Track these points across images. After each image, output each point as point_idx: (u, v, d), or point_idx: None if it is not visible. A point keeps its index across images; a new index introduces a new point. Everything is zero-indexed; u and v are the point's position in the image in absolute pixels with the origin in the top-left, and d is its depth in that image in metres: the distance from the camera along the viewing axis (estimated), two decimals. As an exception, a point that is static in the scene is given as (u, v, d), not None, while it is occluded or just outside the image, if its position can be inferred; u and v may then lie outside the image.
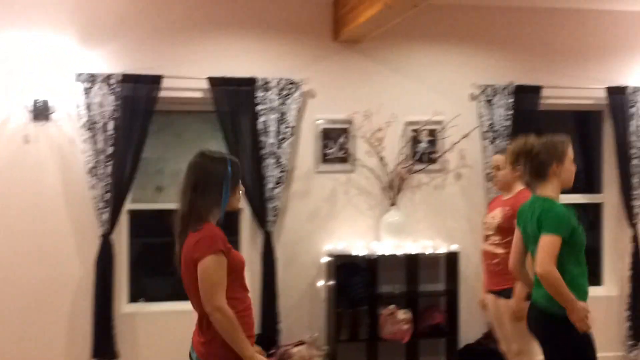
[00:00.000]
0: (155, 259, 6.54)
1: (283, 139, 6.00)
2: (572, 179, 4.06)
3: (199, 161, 3.40)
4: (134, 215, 6.15)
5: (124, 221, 6.03)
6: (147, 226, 6.40)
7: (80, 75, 5.71)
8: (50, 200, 5.81)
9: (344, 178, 6.25)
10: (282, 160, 5.99)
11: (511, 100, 6.31)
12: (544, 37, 6.56)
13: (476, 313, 5.93)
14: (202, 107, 6.05)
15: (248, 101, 5.97)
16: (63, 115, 5.78)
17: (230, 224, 5.71)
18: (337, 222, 6.25)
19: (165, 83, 5.85)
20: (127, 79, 5.78)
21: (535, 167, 3.97)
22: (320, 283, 6.10)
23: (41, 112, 5.72)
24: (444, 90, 6.38)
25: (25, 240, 5.79)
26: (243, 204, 5.86)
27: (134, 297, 6.16)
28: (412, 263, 6.10)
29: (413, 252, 6.06)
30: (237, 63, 6.06)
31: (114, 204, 5.77)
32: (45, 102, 5.71)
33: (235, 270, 3.31)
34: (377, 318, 5.98)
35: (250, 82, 5.96)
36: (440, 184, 6.37)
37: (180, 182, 3.41)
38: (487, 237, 5.12)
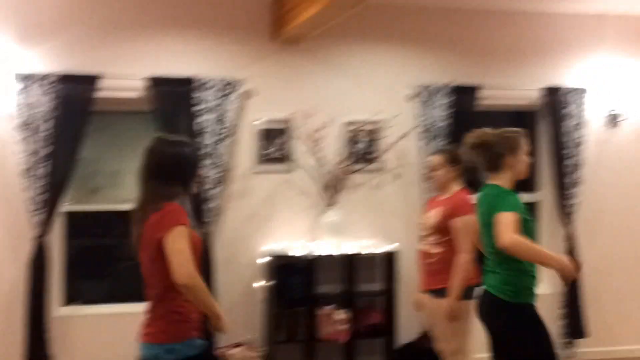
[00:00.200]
0: (93, 261, 6.45)
1: (221, 139, 5.97)
2: (527, 171, 4.17)
3: (157, 145, 3.34)
4: (71, 217, 6.05)
5: (59, 223, 5.93)
6: (84, 228, 6.32)
7: (17, 75, 5.61)
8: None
9: (282, 178, 6.23)
10: (220, 160, 5.96)
11: (449, 100, 6.36)
12: (482, 39, 6.63)
13: (414, 312, 5.96)
14: (140, 107, 5.97)
15: (186, 101, 5.92)
16: (2, 115, 5.69)
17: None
18: (276, 222, 6.24)
19: (103, 83, 5.78)
20: (64, 78, 5.70)
21: (490, 159, 4.04)
22: (258, 284, 6.08)
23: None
24: (382, 91, 6.41)
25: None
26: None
27: (71, 300, 6.06)
28: (350, 263, 6.11)
29: (351, 252, 6.08)
30: (175, 63, 6.01)
31: (50, 205, 5.67)
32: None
33: (192, 252, 3.23)
34: (315, 319, 5.99)
35: (188, 82, 5.92)
36: (378, 184, 6.39)
37: (138, 168, 3.32)
38: (423, 237, 5.15)
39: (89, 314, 6.03)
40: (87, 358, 5.92)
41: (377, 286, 6.27)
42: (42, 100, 5.64)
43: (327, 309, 5.99)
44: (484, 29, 6.63)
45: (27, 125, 5.63)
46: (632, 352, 6.87)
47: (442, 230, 4.96)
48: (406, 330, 6.24)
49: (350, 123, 6.29)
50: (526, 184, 6.97)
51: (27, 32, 5.72)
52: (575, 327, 6.68)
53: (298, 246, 6.05)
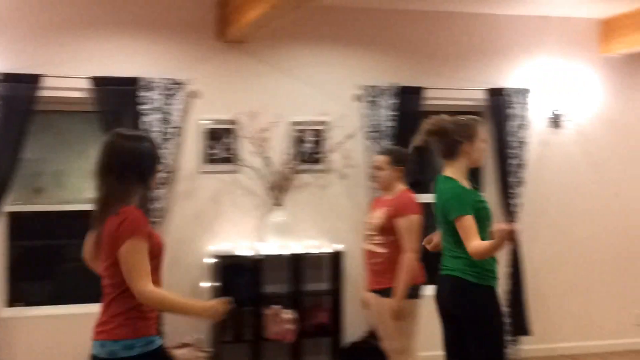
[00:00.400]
0: (36, 262, 6.36)
1: (167, 139, 5.94)
2: (483, 158, 4.25)
3: (114, 141, 3.25)
4: (14, 217, 5.96)
5: (2, 223, 5.85)
6: (27, 229, 6.22)
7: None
8: None
9: (229, 178, 6.23)
10: (166, 160, 5.93)
11: (394, 101, 6.41)
12: (427, 40, 6.69)
13: (360, 312, 5.99)
14: (84, 107, 5.91)
15: (131, 101, 5.88)
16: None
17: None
18: (222, 222, 6.23)
19: (46, 82, 5.71)
20: (7, 78, 5.63)
21: (447, 146, 4.07)
22: (205, 284, 6.06)
23: None
24: (329, 91, 6.44)
25: None
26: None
27: (14, 302, 5.98)
28: (297, 263, 6.12)
29: (298, 252, 6.10)
30: (120, 63, 5.97)
31: (-9, 206, 5.60)
32: None
33: (154, 257, 3.19)
34: (262, 318, 6.00)
35: (133, 81, 5.88)
36: (324, 184, 6.42)
37: (95, 164, 3.23)
38: (369, 237, 5.18)
39: (32, 315, 5.95)
40: (30, 359, 5.85)
41: (323, 286, 6.29)
42: (-16, 100, 5.56)
43: (274, 308, 5.99)
44: (429, 31, 6.69)
45: (-33, 126, 5.55)
46: (574, 348, 7.00)
47: (388, 230, 4.99)
48: (352, 330, 6.29)
49: (296, 123, 6.31)
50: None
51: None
52: (519, 325, 6.75)
53: (245, 246, 6.05)
